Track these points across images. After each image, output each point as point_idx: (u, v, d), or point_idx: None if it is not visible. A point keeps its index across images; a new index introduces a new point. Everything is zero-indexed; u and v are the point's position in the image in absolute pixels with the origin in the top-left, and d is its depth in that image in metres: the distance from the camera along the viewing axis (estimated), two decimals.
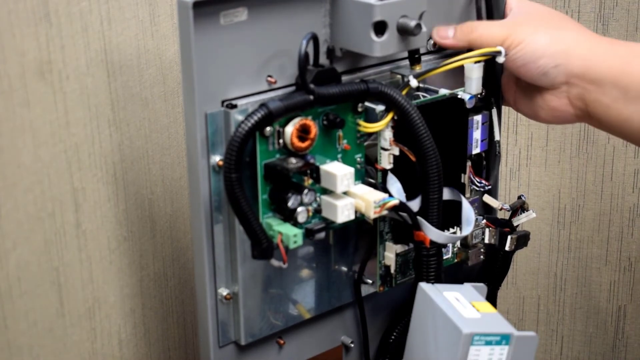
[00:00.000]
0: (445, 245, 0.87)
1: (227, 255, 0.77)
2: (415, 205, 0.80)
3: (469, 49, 0.82)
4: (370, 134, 0.79)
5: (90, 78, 0.82)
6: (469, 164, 0.87)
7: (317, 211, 0.77)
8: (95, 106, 0.83)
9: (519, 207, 0.90)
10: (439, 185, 0.79)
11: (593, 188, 1.21)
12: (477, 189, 0.88)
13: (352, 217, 0.76)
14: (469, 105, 0.84)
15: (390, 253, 0.84)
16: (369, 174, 0.80)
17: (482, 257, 0.90)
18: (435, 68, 0.81)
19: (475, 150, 0.87)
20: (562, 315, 1.27)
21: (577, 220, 1.23)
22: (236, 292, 0.77)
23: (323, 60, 0.77)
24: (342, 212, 0.76)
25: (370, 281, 0.84)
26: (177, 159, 0.95)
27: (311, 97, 0.73)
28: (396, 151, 0.79)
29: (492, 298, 0.90)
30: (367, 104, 0.78)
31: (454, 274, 0.91)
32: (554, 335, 1.28)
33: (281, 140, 0.74)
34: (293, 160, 0.74)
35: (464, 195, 0.87)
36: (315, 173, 0.76)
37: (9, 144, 0.75)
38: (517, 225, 0.90)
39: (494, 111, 0.88)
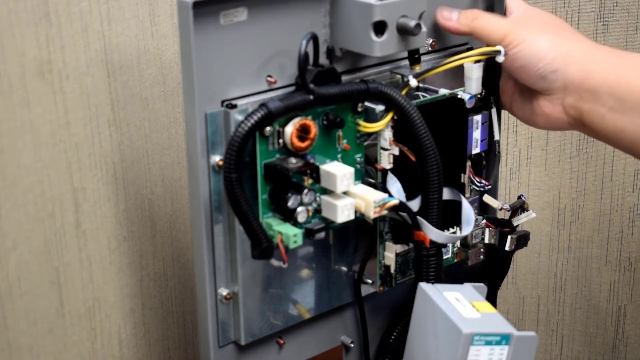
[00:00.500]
0: (445, 245, 0.87)
1: (227, 255, 0.77)
2: (415, 205, 0.80)
3: (468, 48, 0.82)
4: (370, 134, 0.79)
5: (90, 78, 0.82)
6: (468, 163, 0.87)
7: (317, 211, 0.77)
8: (95, 106, 0.83)
9: (519, 207, 0.90)
10: (439, 185, 0.79)
11: (593, 188, 1.21)
12: (477, 188, 0.88)
13: (352, 217, 0.77)
14: (468, 105, 0.84)
15: (390, 253, 0.84)
16: (369, 174, 0.80)
17: (482, 257, 0.90)
18: (435, 67, 0.81)
19: (475, 150, 0.87)
20: (562, 315, 1.27)
21: (577, 220, 1.23)
22: (236, 292, 0.77)
23: (323, 60, 0.77)
24: (342, 212, 0.76)
25: (370, 281, 0.84)
26: (177, 159, 0.95)
27: (311, 97, 0.73)
28: (396, 151, 0.79)
29: (492, 298, 0.90)
30: (367, 104, 0.78)
31: (454, 274, 0.91)
32: (554, 335, 1.28)
33: (281, 140, 0.74)
34: (293, 160, 0.74)
35: (464, 195, 0.87)
36: (315, 173, 0.76)
37: (9, 144, 0.75)
38: (517, 225, 0.90)
39: (494, 111, 0.88)
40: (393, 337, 0.89)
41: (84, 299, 0.85)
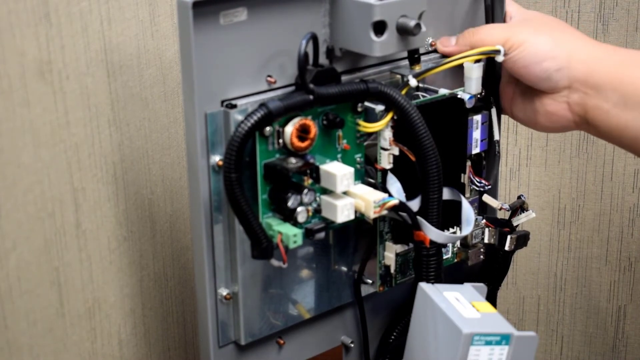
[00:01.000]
0: (445, 245, 0.87)
1: (227, 255, 0.77)
2: (415, 205, 0.80)
3: None
4: (370, 134, 0.79)
5: (90, 78, 0.82)
6: (468, 163, 0.87)
7: (317, 211, 0.77)
8: (95, 106, 0.83)
9: (519, 207, 0.90)
10: (439, 185, 0.79)
11: (593, 188, 1.21)
12: (477, 188, 0.88)
13: (352, 217, 0.77)
14: (468, 105, 0.84)
15: (390, 253, 0.84)
16: (369, 174, 0.80)
17: (481, 257, 0.90)
18: (435, 67, 0.81)
19: (475, 150, 0.87)
20: (562, 315, 1.27)
21: (577, 220, 1.23)
22: (236, 292, 0.77)
23: (323, 60, 0.77)
24: (342, 212, 0.76)
25: (370, 281, 0.84)
26: (177, 159, 0.95)
27: (311, 97, 0.73)
28: (396, 151, 0.79)
29: (492, 298, 0.90)
30: (366, 103, 0.78)
31: (454, 274, 0.91)
32: (554, 335, 1.28)
33: (281, 140, 0.74)
34: (293, 160, 0.74)
35: (464, 195, 0.87)
36: (315, 173, 0.76)
37: (9, 144, 0.75)
38: (517, 225, 0.90)
39: (494, 111, 0.88)
40: (393, 337, 0.89)
41: (84, 299, 0.85)
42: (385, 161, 0.79)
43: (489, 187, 0.88)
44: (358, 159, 0.79)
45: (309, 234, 0.76)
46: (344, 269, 0.84)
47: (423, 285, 0.80)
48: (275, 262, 0.75)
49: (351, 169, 0.76)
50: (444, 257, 0.87)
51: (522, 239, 0.90)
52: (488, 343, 0.73)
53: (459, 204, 0.86)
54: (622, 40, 1.14)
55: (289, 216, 0.75)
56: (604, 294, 1.25)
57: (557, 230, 1.24)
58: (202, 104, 0.72)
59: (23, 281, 0.79)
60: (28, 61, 0.76)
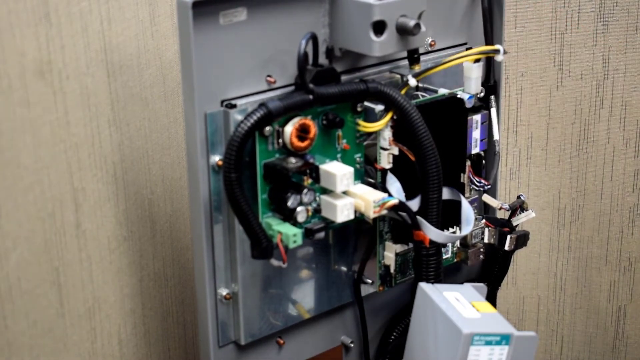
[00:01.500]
0: (444, 245, 0.87)
1: (227, 255, 0.77)
2: (414, 204, 0.80)
3: (467, 47, 0.82)
4: (369, 134, 0.79)
5: (90, 78, 0.82)
6: (468, 163, 0.87)
7: (317, 211, 0.77)
8: (95, 106, 0.83)
9: (519, 207, 0.90)
10: (439, 184, 0.79)
11: (593, 188, 1.21)
12: (477, 188, 0.88)
13: (352, 216, 0.77)
14: (468, 105, 0.84)
15: (390, 253, 0.84)
16: (369, 174, 0.80)
17: (481, 256, 0.90)
18: (434, 66, 0.81)
19: (475, 150, 0.87)
20: (562, 315, 1.27)
21: (577, 220, 1.23)
22: (236, 292, 0.77)
23: (322, 60, 0.77)
24: (342, 212, 0.76)
25: (370, 281, 0.84)
26: (177, 159, 0.95)
27: (310, 96, 0.73)
28: (395, 151, 0.79)
29: (491, 298, 0.90)
30: (366, 103, 0.78)
31: (454, 274, 0.91)
32: (554, 335, 1.28)
33: (280, 140, 0.74)
34: (292, 160, 0.74)
35: (464, 195, 0.87)
36: (314, 173, 0.76)
37: (9, 144, 0.75)
38: (517, 225, 0.90)
39: (493, 111, 0.88)
40: (393, 337, 0.89)
41: (84, 299, 0.85)
42: (385, 161, 0.79)
43: (489, 187, 0.88)
44: (358, 159, 0.79)
45: (308, 233, 0.76)
46: (344, 269, 0.84)
47: (423, 285, 0.80)
48: (275, 262, 0.75)
49: (351, 169, 0.76)
50: (444, 257, 0.87)
51: (522, 239, 0.90)
52: (488, 343, 0.73)
53: (458, 204, 0.86)
54: (622, 41, 1.14)
55: (288, 216, 0.75)
56: (604, 294, 1.25)
57: (557, 230, 1.24)
58: (202, 104, 0.72)
59: (23, 281, 0.79)
60: (28, 61, 0.76)
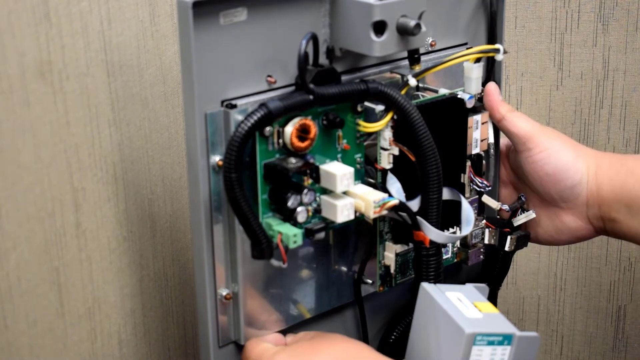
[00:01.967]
0: (444, 245, 0.87)
1: (227, 255, 0.77)
2: (415, 205, 0.80)
3: (467, 47, 0.82)
4: (369, 134, 0.79)
5: (90, 78, 0.82)
6: (468, 163, 0.87)
7: (317, 211, 0.77)
8: (95, 106, 0.83)
9: (519, 208, 0.90)
10: (439, 185, 0.79)
11: None
12: (478, 189, 0.88)
13: (352, 217, 0.76)
14: (468, 105, 0.84)
15: (390, 253, 0.84)
16: (369, 174, 0.80)
17: (481, 257, 0.90)
18: (434, 66, 0.81)
19: (475, 150, 0.87)
20: (562, 315, 1.27)
21: None
22: (236, 292, 0.77)
23: (323, 60, 0.77)
24: (342, 212, 0.76)
25: (370, 281, 0.84)
26: (177, 159, 0.95)
27: (311, 97, 0.73)
28: (396, 151, 0.79)
29: (492, 298, 0.90)
30: (366, 103, 0.78)
31: (454, 274, 0.91)
32: (554, 335, 1.28)
33: (281, 140, 0.74)
34: (293, 160, 0.74)
35: (464, 195, 0.87)
36: (314, 173, 0.76)
37: (9, 144, 0.75)
38: (518, 226, 0.90)
39: None
40: (393, 337, 0.89)
41: (84, 299, 0.85)
42: (385, 161, 0.79)
43: (490, 187, 0.88)
44: (358, 159, 0.79)
45: (309, 234, 0.76)
46: (344, 269, 0.84)
47: (425, 285, 0.80)
48: (275, 262, 0.75)
49: (351, 169, 0.76)
50: (444, 257, 0.87)
51: (523, 240, 0.90)
52: (490, 343, 0.73)
53: (458, 204, 0.86)
54: (622, 41, 1.14)
55: (289, 216, 0.75)
56: (604, 294, 1.25)
57: None
58: (202, 104, 0.72)
59: (23, 281, 0.79)
60: (28, 61, 0.75)
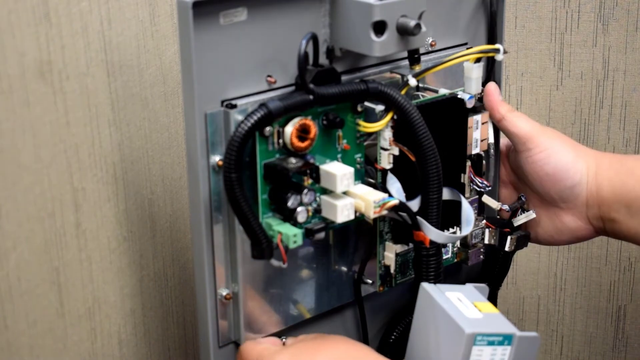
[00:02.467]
0: (445, 245, 0.87)
1: (227, 255, 0.77)
2: (415, 205, 0.80)
3: (468, 47, 0.82)
4: (370, 134, 0.79)
5: (90, 78, 0.82)
6: (468, 164, 0.87)
7: (317, 211, 0.77)
8: (95, 106, 0.83)
9: (519, 208, 0.90)
10: (439, 185, 0.79)
11: None
12: (479, 189, 0.88)
13: (352, 217, 0.76)
14: (468, 105, 0.84)
15: (390, 253, 0.84)
16: (369, 174, 0.80)
17: (482, 257, 0.90)
18: (434, 66, 0.81)
19: (475, 150, 0.87)
20: (562, 315, 1.27)
21: None
22: (236, 292, 0.77)
23: (323, 60, 0.77)
24: (342, 212, 0.76)
25: (370, 281, 0.84)
26: (177, 159, 0.95)
27: (311, 97, 0.73)
28: (396, 151, 0.79)
29: (492, 298, 0.90)
30: (366, 103, 0.78)
31: (454, 274, 0.91)
32: (554, 335, 1.28)
33: (281, 140, 0.74)
34: (293, 160, 0.74)
35: (464, 195, 0.87)
36: (315, 173, 0.76)
37: (9, 144, 0.75)
38: (518, 226, 0.90)
39: None
40: (393, 337, 0.89)
41: (84, 299, 0.85)
42: (385, 161, 0.79)
43: (490, 187, 0.88)
44: (358, 159, 0.79)
45: (309, 234, 0.76)
46: (344, 269, 0.84)
47: (425, 285, 0.80)
48: (275, 262, 0.75)
49: (351, 169, 0.76)
50: (444, 257, 0.87)
51: (523, 240, 0.90)
52: (491, 343, 0.73)
53: (458, 204, 0.86)
54: (622, 41, 1.14)
55: (289, 216, 0.75)
56: (604, 294, 1.25)
57: None
58: (202, 104, 0.72)
59: (23, 281, 0.79)
60: (28, 61, 0.76)
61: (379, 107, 0.77)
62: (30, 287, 0.79)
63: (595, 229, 0.87)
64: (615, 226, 0.84)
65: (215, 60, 0.72)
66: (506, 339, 0.74)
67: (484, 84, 0.85)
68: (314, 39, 0.73)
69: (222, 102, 0.73)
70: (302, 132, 0.74)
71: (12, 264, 0.77)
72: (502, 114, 0.85)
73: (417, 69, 0.81)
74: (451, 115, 0.84)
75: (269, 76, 0.75)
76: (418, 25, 0.75)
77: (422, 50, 0.82)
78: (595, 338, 1.27)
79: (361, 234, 0.83)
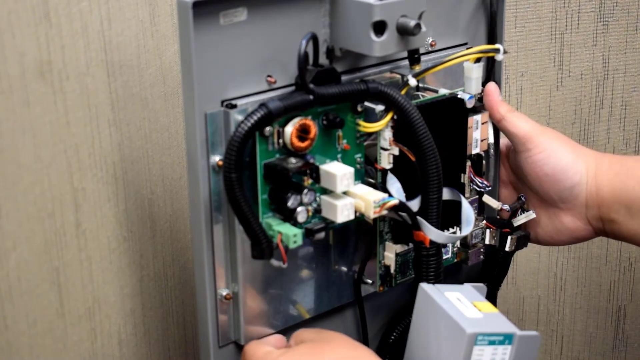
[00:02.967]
0: (445, 245, 0.87)
1: (227, 255, 0.77)
2: (415, 205, 0.80)
3: (468, 47, 0.82)
4: (370, 134, 0.79)
5: (90, 78, 0.82)
6: (468, 164, 0.87)
7: (317, 211, 0.77)
8: (95, 106, 0.83)
9: (519, 208, 0.90)
10: (439, 185, 0.79)
11: None
12: (479, 189, 0.88)
13: (352, 217, 0.76)
14: (468, 105, 0.84)
15: (390, 253, 0.84)
16: (369, 174, 0.80)
17: (482, 257, 0.90)
18: (434, 66, 0.81)
19: (475, 150, 0.87)
20: (562, 315, 1.27)
21: None
22: (236, 292, 0.77)
23: (323, 60, 0.77)
24: (342, 212, 0.76)
25: (370, 281, 0.84)
26: (177, 159, 0.95)
27: (311, 97, 0.73)
28: (396, 151, 0.79)
29: (492, 298, 0.90)
30: (366, 103, 0.78)
31: (454, 274, 0.91)
32: (554, 335, 1.28)
33: (281, 140, 0.74)
34: (293, 160, 0.74)
35: (464, 195, 0.87)
36: (315, 173, 0.76)
37: (9, 144, 0.75)
38: (518, 226, 0.90)
39: None
40: (393, 337, 0.89)
41: (84, 299, 0.85)
42: (385, 161, 0.79)
43: (490, 187, 0.88)
44: (358, 159, 0.79)
45: (309, 234, 0.76)
46: (344, 269, 0.84)
47: (424, 285, 0.80)
48: (275, 262, 0.75)
49: (351, 169, 0.76)
50: (444, 257, 0.87)
51: (523, 240, 0.90)
52: (491, 343, 0.73)
53: (458, 204, 0.86)
54: (622, 41, 1.14)
55: (289, 216, 0.75)
56: (604, 294, 1.25)
57: None
58: (202, 104, 0.72)
59: (23, 281, 0.79)
60: (28, 61, 0.76)
61: (379, 107, 0.77)
62: (30, 287, 0.79)
63: (595, 229, 0.87)
64: (615, 227, 0.84)
65: (215, 60, 0.72)
66: (507, 339, 0.74)
67: (484, 84, 0.85)
68: (314, 39, 0.73)
69: (222, 102, 0.73)
70: (302, 132, 0.74)
71: (12, 264, 0.77)
72: (502, 114, 0.85)
73: (417, 69, 0.81)
74: (451, 115, 0.84)
75: (269, 76, 0.75)
76: (418, 25, 0.75)
77: (422, 50, 0.82)
78: (595, 338, 1.27)
79: (361, 234, 0.83)
